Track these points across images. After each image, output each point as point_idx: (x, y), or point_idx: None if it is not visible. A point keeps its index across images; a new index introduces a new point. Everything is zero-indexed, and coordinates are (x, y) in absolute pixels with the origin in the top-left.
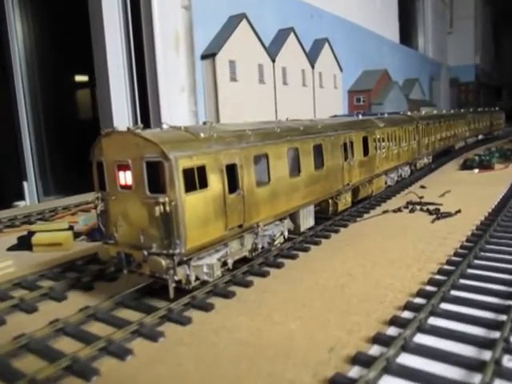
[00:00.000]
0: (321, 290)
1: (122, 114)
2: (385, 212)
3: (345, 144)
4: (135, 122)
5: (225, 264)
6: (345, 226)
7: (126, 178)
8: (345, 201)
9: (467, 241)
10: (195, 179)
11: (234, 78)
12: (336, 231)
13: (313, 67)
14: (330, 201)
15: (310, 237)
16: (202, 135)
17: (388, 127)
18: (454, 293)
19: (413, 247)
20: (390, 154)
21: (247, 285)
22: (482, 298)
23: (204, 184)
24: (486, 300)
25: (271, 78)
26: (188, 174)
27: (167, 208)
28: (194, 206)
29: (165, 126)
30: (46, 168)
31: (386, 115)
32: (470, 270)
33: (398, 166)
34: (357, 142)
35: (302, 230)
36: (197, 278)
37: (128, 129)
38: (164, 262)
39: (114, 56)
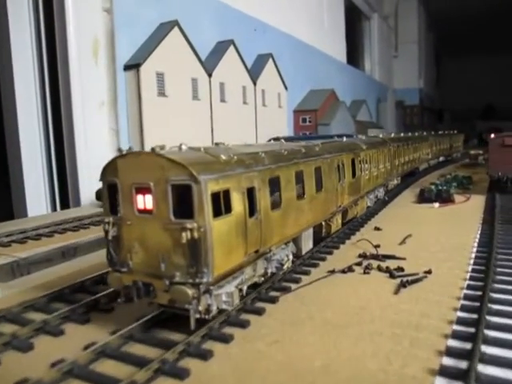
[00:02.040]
0: None
1: (30, 131)
2: (331, 272)
3: (338, 166)
4: (46, 141)
5: (240, 291)
6: (272, 300)
7: (145, 201)
8: (336, 223)
9: (454, 336)
10: (221, 204)
11: (162, 93)
12: (258, 312)
13: (255, 84)
14: (324, 223)
15: (216, 329)
16: (224, 157)
17: (369, 149)
18: None
19: (372, 351)
20: (371, 175)
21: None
22: None
23: (229, 209)
24: None
25: (207, 94)
26: (215, 198)
27: (195, 234)
28: (220, 232)
29: (184, 147)
30: None
31: (345, 138)
32: None
33: (376, 188)
34: (347, 164)
35: (304, 252)
36: None
37: (152, 149)
38: (190, 292)
39: (21, 65)
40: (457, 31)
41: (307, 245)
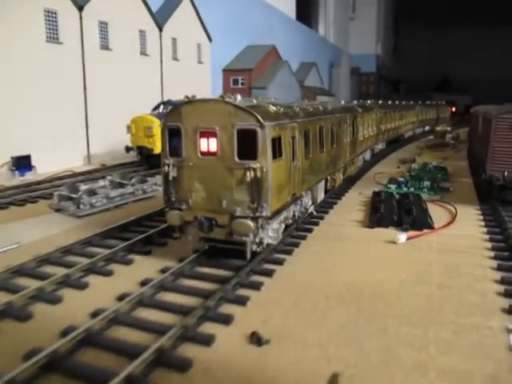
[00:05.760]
0: None
1: None
2: None
3: (344, 125)
4: None
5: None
6: None
7: (209, 144)
8: (339, 178)
9: None
10: (276, 148)
11: None
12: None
13: (160, 29)
14: (329, 177)
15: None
16: (274, 109)
17: (363, 113)
18: None
19: None
20: (364, 137)
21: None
22: None
23: (281, 153)
24: None
25: (76, 36)
26: (273, 142)
27: (258, 174)
28: (275, 173)
29: (239, 97)
30: None
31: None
32: None
33: (366, 150)
34: (349, 124)
35: (318, 201)
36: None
37: (221, 97)
38: (253, 224)
39: None
40: None
41: (320, 195)
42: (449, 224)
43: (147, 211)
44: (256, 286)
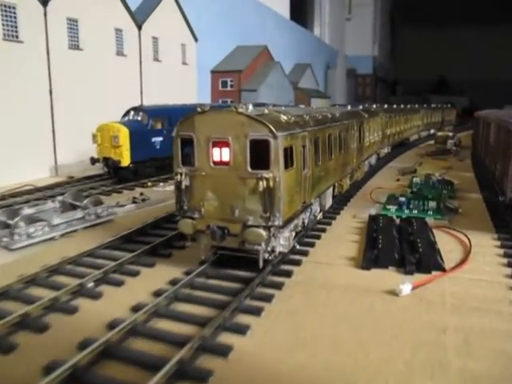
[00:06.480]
0: None
1: None
2: None
3: (351, 132)
4: None
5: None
6: None
7: (222, 154)
8: (346, 183)
9: None
10: (288, 158)
11: None
12: None
13: (139, 28)
14: (337, 183)
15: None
16: (285, 118)
17: (369, 118)
18: None
19: None
20: (370, 142)
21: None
22: None
23: (292, 163)
24: None
25: (40, 34)
26: (285, 152)
27: (270, 183)
28: (287, 183)
29: (250, 107)
30: None
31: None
32: None
33: (371, 155)
34: (356, 130)
35: (326, 208)
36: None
37: (234, 107)
38: (264, 233)
39: None
40: None
41: (328, 201)
42: (463, 263)
43: (98, 242)
44: (203, 376)
